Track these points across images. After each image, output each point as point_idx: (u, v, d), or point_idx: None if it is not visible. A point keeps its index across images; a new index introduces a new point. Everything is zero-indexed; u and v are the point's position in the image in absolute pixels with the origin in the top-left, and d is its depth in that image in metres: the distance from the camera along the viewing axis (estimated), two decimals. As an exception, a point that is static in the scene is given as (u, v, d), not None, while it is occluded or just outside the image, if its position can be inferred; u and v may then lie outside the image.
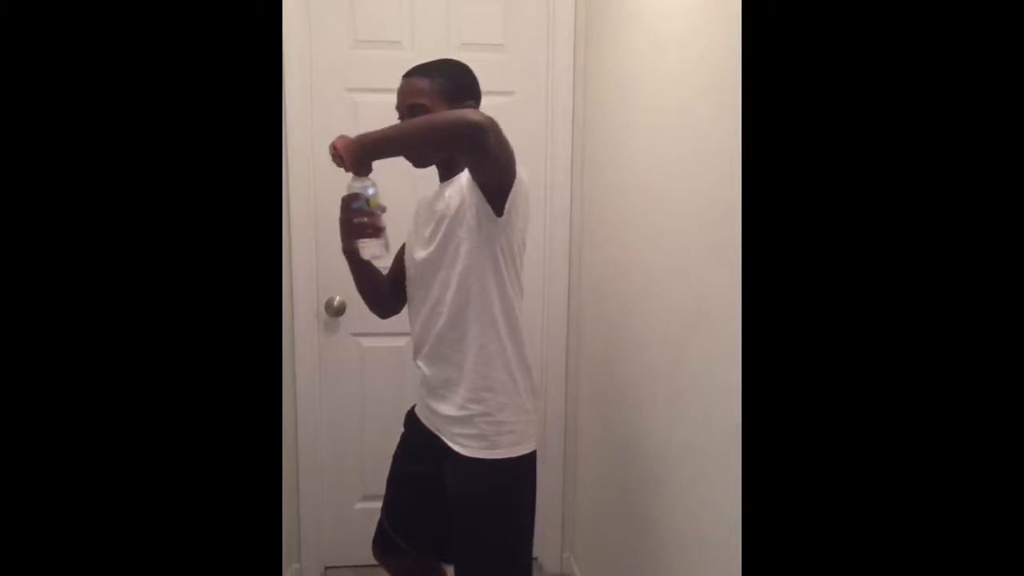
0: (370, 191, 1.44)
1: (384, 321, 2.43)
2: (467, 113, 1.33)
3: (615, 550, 1.94)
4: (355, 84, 2.28)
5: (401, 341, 2.40)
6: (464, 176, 1.44)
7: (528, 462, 1.54)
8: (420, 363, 1.58)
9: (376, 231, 1.44)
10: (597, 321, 2.19)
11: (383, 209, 1.45)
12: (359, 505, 2.49)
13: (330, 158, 1.42)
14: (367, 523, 2.46)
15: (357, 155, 1.39)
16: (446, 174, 1.55)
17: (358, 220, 1.44)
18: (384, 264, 1.64)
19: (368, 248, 1.45)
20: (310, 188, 2.26)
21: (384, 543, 1.74)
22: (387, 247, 1.46)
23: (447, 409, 1.52)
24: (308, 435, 2.37)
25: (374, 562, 2.45)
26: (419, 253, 1.54)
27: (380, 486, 2.42)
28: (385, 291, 1.72)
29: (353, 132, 2.26)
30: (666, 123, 1.54)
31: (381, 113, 2.25)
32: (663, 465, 1.55)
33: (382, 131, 1.41)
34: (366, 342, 2.42)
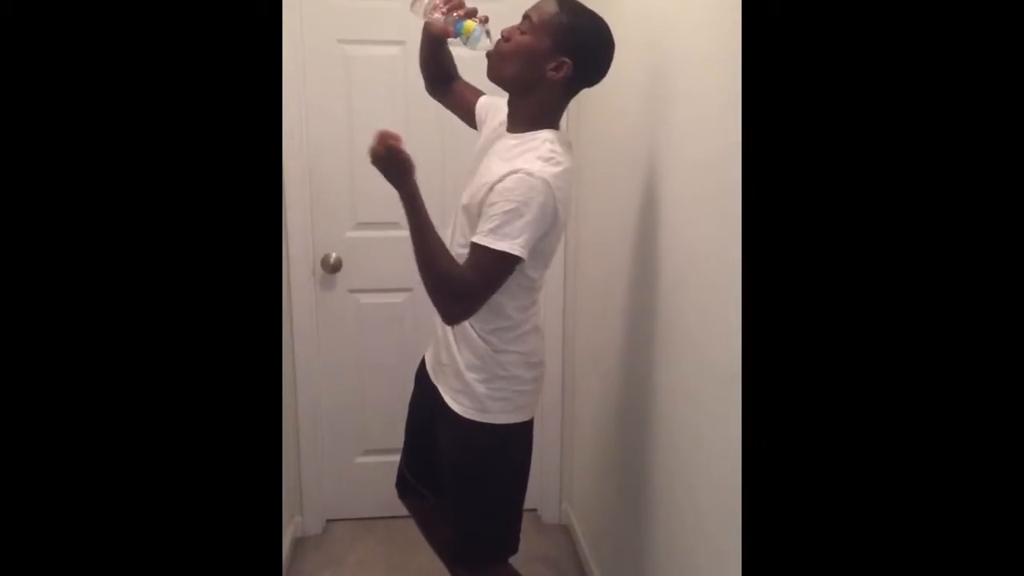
0: (478, 36, 1.42)
1: (381, 277, 2.42)
2: (459, 285, 1.34)
3: (612, 500, 1.97)
4: (348, 35, 2.24)
5: (399, 297, 2.39)
6: (505, 167, 1.34)
7: (517, 432, 1.51)
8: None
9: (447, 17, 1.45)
10: (593, 273, 2.19)
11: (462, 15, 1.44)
12: (359, 459, 2.52)
13: (375, 147, 1.31)
14: (367, 477, 2.50)
15: (390, 167, 1.31)
16: (516, 124, 1.45)
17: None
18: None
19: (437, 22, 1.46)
20: (303, 144, 2.23)
21: (404, 485, 1.78)
22: (453, 31, 1.45)
23: (449, 361, 1.51)
24: (308, 392, 2.38)
25: (375, 515, 2.50)
26: (464, 196, 1.46)
27: (380, 441, 2.46)
28: (443, 68, 1.69)
29: (345, 85, 2.25)
30: (662, 56, 1.52)
31: (376, 67, 2.23)
32: (658, 414, 1.56)
33: (419, 213, 1.34)
34: (363, 299, 2.41)
